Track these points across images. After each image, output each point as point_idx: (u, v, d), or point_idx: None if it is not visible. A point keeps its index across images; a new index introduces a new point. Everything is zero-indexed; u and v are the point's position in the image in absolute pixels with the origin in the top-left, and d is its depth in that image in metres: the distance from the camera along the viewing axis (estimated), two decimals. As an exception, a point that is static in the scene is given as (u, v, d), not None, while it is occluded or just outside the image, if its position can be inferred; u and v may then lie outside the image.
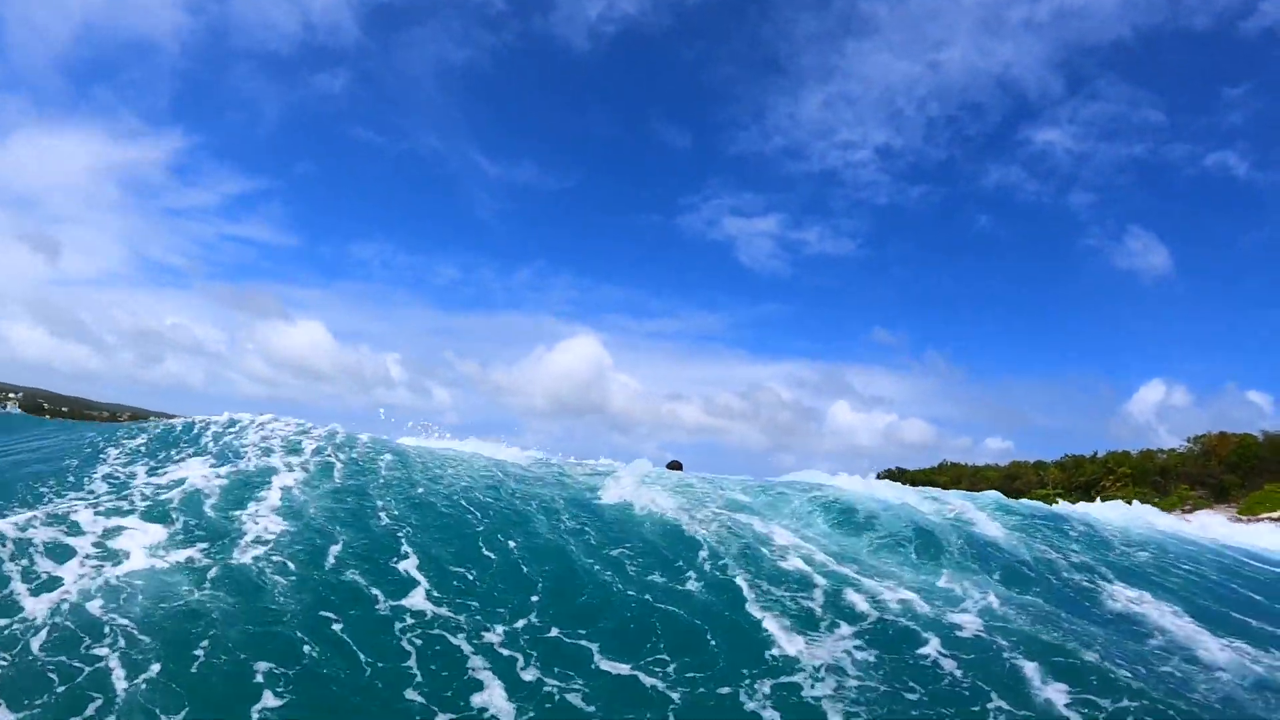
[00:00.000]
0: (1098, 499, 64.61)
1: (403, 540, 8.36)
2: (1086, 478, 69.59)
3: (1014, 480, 73.70)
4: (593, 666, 6.30)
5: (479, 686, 5.78)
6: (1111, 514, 17.11)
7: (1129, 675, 6.58)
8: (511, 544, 8.75)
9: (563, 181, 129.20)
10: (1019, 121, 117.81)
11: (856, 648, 6.91)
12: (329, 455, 11.18)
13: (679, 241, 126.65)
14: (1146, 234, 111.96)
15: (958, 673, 6.54)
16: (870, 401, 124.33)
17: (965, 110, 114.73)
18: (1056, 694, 6.22)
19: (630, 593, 7.72)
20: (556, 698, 5.76)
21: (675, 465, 17.80)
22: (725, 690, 6.03)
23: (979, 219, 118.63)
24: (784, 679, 6.23)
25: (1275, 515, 52.34)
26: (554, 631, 6.83)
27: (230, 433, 12.48)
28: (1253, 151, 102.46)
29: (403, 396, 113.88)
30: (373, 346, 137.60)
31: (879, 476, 77.18)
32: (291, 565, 7.31)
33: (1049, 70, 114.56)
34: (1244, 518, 52.58)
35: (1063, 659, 6.81)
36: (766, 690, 6.05)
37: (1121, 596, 9.67)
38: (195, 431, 12.86)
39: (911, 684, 6.35)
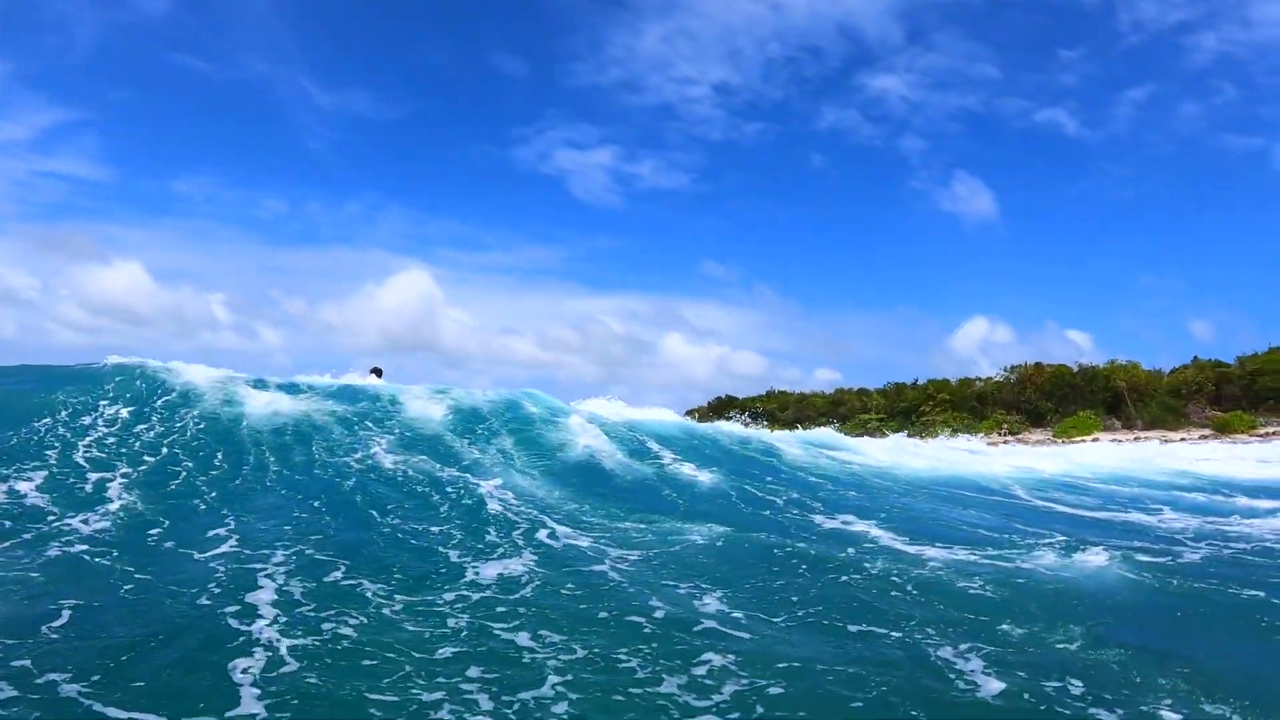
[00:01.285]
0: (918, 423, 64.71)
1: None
2: (907, 404, 71.11)
3: (839, 406, 76.14)
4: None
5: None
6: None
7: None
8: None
9: (395, 111, 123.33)
10: (857, 67, 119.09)
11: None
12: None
13: (513, 174, 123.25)
14: (973, 180, 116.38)
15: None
16: (703, 334, 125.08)
17: (805, 53, 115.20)
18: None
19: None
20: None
21: (377, 371, 20.02)
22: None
23: (812, 158, 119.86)
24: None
25: (1088, 437, 54.24)
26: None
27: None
28: (1082, 110, 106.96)
29: (229, 339, 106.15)
30: (196, 287, 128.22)
31: (709, 405, 77.52)
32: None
33: (890, 19, 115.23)
34: (1059, 439, 54.00)
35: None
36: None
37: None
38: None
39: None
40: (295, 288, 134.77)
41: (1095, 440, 50.13)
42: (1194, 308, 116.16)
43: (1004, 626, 6.19)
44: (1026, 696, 4.86)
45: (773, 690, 4.80)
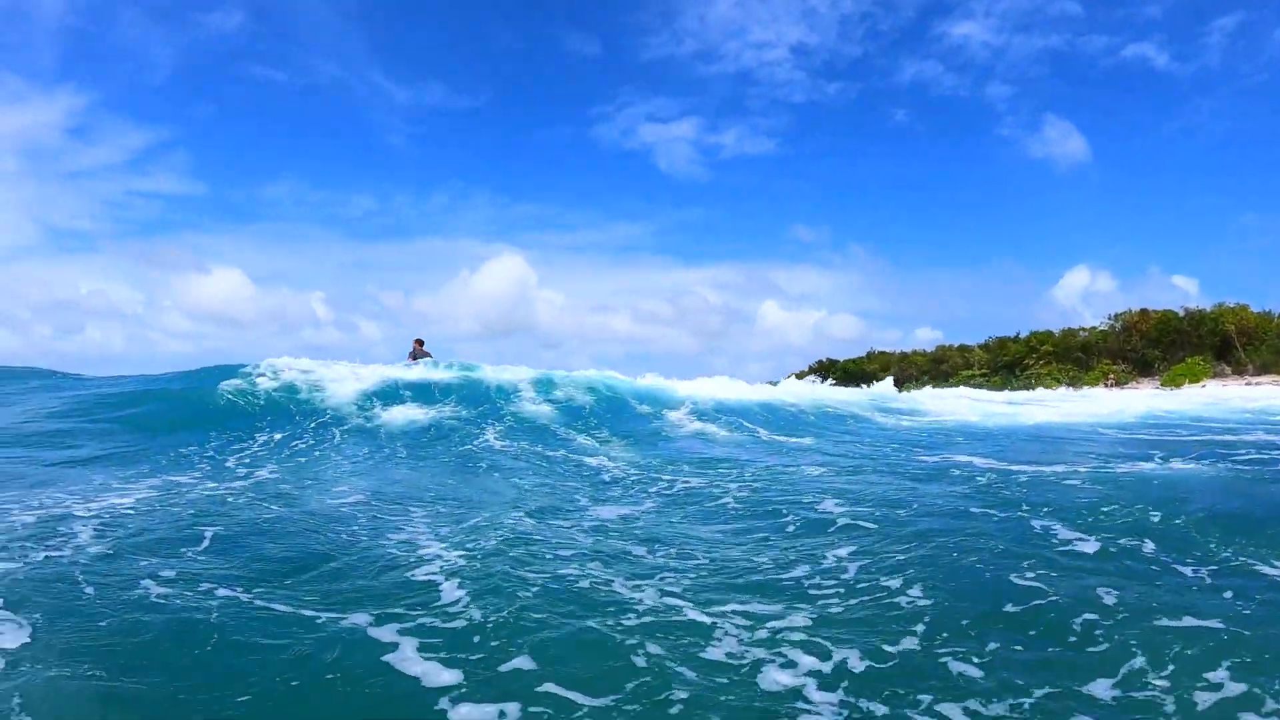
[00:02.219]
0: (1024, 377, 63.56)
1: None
2: (1010, 358, 69.22)
3: (941, 364, 74.87)
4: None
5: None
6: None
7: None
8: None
9: (471, 100, 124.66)
10: (934, 16, 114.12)
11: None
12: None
13: (595, 152, 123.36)
14: (1063, 123, 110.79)
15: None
16: (798, 299, 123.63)
17: (879, 6, 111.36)
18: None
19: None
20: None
21: (419, 341, 23.28)
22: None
23: (896, 113, 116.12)
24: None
25: (1197, 385, 52.55)
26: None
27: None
28: (1170, 43, 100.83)
29: (331, 335, 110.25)
30: (293, 287, 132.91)
31: (810, 369, 77.59)
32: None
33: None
34: (1167, 388, 52.52)
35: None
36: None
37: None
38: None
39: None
40: (390, 281, 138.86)
41: (1204, 387, 48.62)
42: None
43: (1103, 508, 7.10)
44: (1113, 551, 5.79)
45: (898, 557, 5.80)
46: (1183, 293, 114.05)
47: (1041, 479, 8.86)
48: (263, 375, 16.71)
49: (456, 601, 4.71)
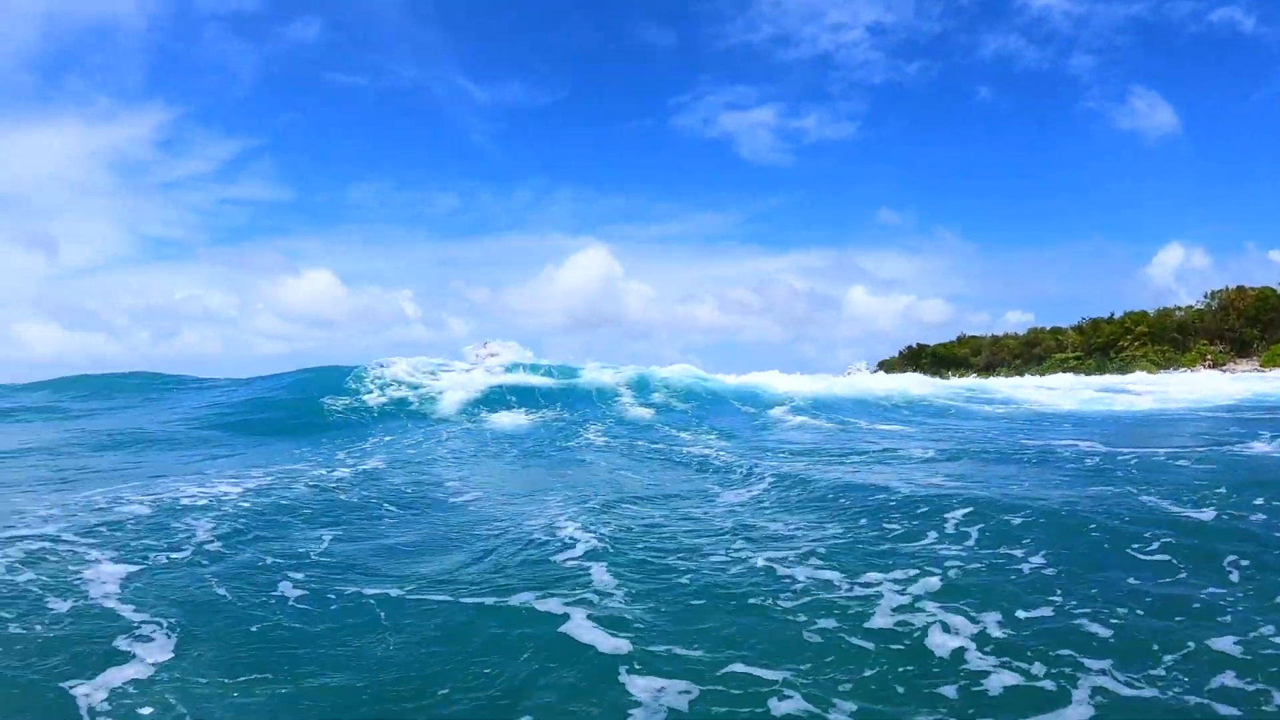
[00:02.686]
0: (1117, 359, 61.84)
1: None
2: (1104, 339, 67.40)
3: (1033, 347, 73.57)
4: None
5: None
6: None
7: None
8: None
9: (551, 96, 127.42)
10: None
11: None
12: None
13: (676, 143, 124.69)
14: (1150, 94, 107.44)
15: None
16: (885, 285, 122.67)
17: None
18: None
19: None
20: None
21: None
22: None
23: (978, 90, 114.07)
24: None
25: None
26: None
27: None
28: (1259, 6, 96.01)
29: (419, 332, 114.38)
30: (382, 286, 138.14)
31: (900, 355, 76.78)
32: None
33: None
34: (1266, 368, 50.82)
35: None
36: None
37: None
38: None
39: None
40: (477, 277, 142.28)
41: None
42: None
43: (1216, 487, 7.26)
44: (1229, 526, 5.99)
45: (1016, 530, 6.09)
46: (1275, 266, 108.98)
47: (1149, 460, 9.03)
48: (375, 376, 17.85)
49: (610, 582, 4.97)
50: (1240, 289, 64.49)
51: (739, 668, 3.76)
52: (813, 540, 6.05)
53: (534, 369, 21.04)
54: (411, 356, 19.99)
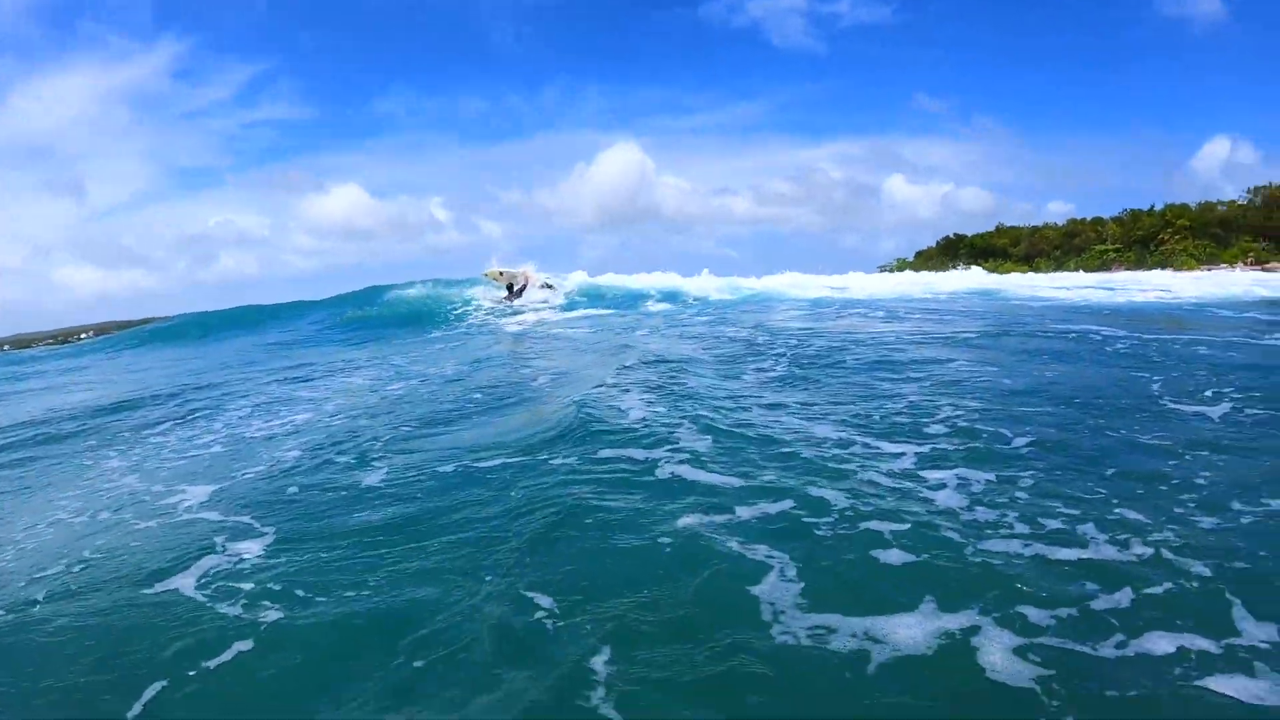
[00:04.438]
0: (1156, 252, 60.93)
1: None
2: (1144, 232, 66.29)
3: (1073, 238, 72.29)
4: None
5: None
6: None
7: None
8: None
9: None
10: None
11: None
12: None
13: (706, 32, 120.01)
14: None
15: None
16: (925, 173, 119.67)
17: None
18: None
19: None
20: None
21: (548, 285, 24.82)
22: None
23: None
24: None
25: None
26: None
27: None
28: None
29: (452, 238, 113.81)
30: (413, 195, 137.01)
31: (938, 245, 75.80)
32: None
33: None
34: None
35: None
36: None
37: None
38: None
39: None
40: (508, 180, 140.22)
41: None
42: None
43: (1228, 373, 7.77)
44: (1230, 408, 6.49)
45: (1023, 394, 6.65)
46: None
47: (1167, 344, 9.54)
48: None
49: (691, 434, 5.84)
50: None
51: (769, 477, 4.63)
52: (829, 405, 6.67)
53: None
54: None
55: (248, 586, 4.04)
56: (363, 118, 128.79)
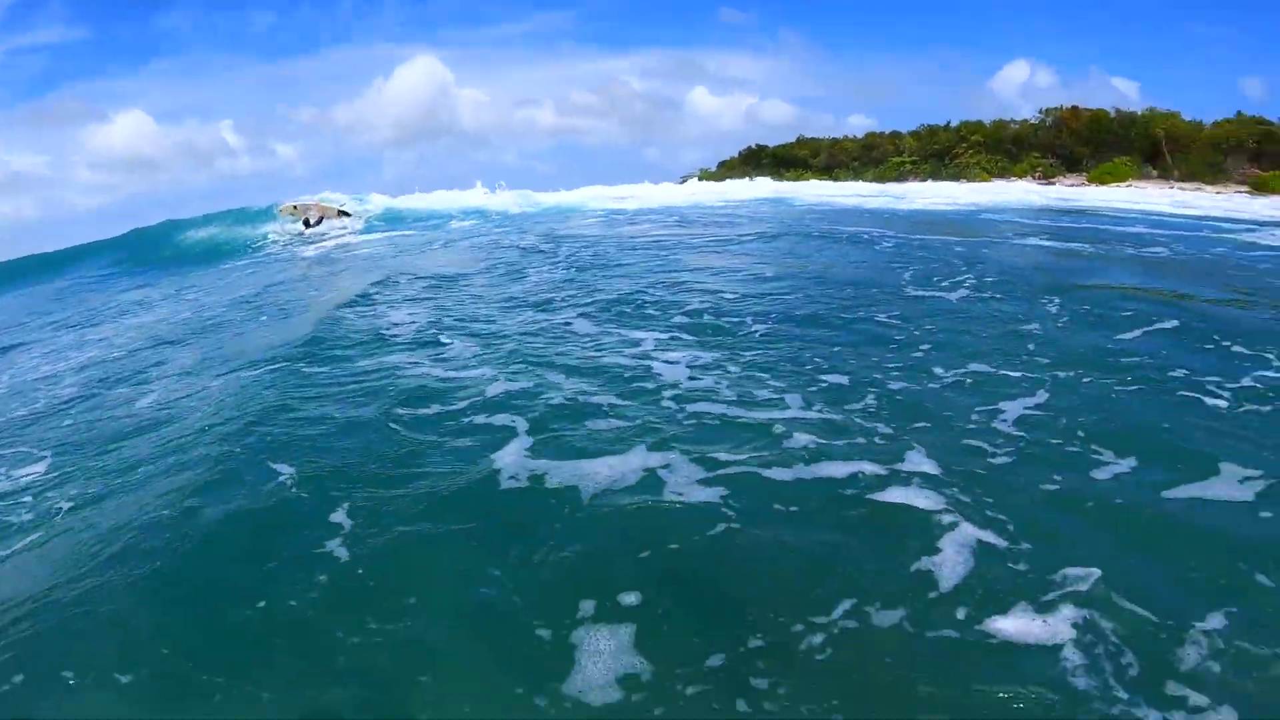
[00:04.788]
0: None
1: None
2: (940, 146, 69.38)
3: (872, 150, 74.62)
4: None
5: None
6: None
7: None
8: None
9: None
10: None
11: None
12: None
13: None
14: None
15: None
16: (728, 84, 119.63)
17: None
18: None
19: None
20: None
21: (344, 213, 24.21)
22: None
23: None
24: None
25: (1122, 184, 54.17)
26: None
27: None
28: None
29: (246, 164, 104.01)
30: (202, 119, 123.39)
31: (740, 155, 77.13)
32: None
33: None
34: (1093, 184, 54.02)
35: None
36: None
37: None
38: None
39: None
40: (303, 98, 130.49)
41: (1129, 187, 50.23)
42: (1247, 62, 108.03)
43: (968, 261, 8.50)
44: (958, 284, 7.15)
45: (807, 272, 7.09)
46: (1122, 95, 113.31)
47: (930, 243, 10.30)
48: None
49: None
50: (1075, 109, 66.65)
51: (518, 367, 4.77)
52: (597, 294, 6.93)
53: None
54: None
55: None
56: (143, 37, 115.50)
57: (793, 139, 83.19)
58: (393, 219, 24.72)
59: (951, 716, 2.31)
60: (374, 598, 2.95)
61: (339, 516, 3.44)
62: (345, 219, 24.00)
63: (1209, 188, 51.49)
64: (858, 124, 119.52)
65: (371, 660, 2.64)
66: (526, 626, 2.74)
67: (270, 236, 22.73)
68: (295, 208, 24.53)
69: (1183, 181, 55.69)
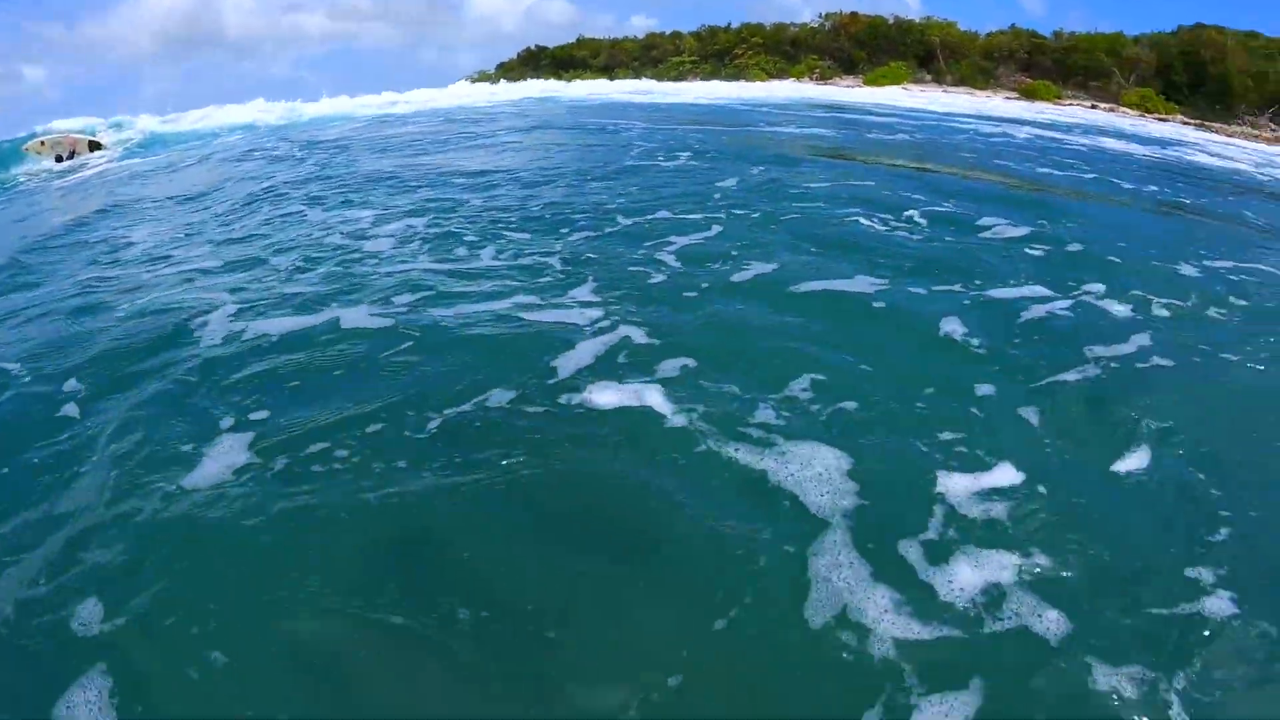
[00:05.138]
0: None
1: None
2: (721, 47, 71.07)
3: (652, 50, 75.51)
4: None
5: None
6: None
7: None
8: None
9: None
10: None
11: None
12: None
13: None
14: None
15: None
16: None
17: None
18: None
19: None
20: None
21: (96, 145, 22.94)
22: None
23: None
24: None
25: (897, 86, 57.18)
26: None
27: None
28: None
29: None
30: None
31: (519, 57, 75.31)
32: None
33: None
34: (868, 86, 56.88)
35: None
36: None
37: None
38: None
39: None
40: (46, 11, 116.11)
41: (905, 90, 53.01)
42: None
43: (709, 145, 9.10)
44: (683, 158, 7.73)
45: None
46: (904, 3, 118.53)
47: (674, 131, 10.85)
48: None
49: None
50: (853, 14, 69.18)
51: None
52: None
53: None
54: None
55: None
56: None
57: (573, 39, 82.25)
58: (153, 142, 23.03)
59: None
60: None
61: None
62: (99, 150, 22.40)
63: (979, 92, 55.49)
64: (640, 24, 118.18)
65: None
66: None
67: (21, 179, 20.99)
68: (43, 144, 22.75)
69: (954, 85, 59.73)
